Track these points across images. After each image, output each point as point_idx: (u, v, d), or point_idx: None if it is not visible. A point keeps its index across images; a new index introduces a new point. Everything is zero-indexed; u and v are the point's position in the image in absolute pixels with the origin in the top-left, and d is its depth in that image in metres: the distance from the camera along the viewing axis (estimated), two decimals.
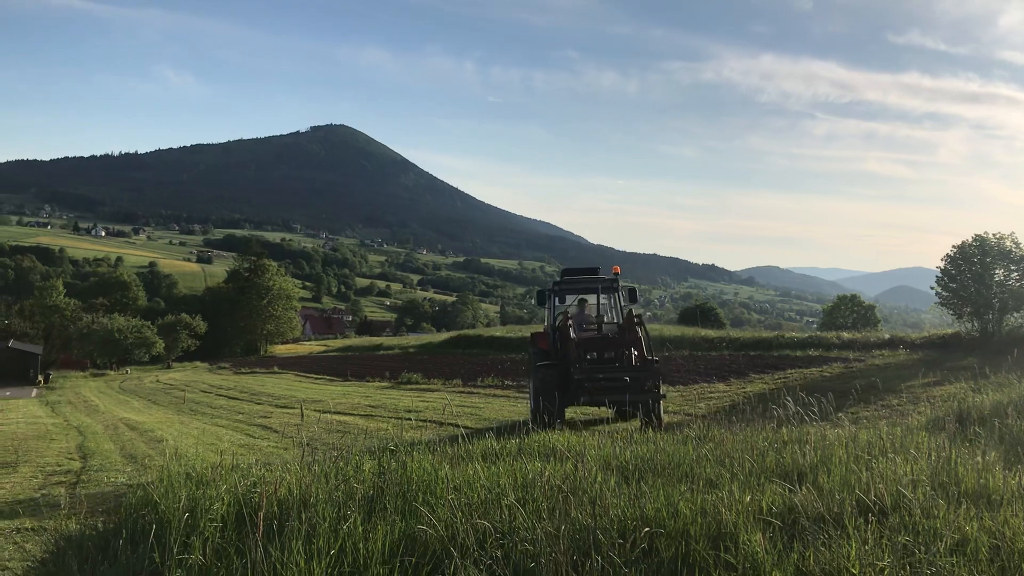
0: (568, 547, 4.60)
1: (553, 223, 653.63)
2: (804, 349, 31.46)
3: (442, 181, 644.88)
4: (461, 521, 5.20)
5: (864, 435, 8.17)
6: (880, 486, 5.58)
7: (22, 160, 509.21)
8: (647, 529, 4.89)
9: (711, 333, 41.07)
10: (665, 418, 16.33)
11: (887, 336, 31.25)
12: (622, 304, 17.04)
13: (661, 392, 14.76)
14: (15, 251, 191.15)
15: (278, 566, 4.48)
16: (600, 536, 4.85)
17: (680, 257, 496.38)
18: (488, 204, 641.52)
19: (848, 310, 52.97)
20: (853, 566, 4.33)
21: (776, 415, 9.12)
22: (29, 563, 6.60)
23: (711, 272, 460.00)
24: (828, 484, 5.93)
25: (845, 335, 33.15)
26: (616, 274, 17.78)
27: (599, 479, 6.22)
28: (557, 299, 17.97)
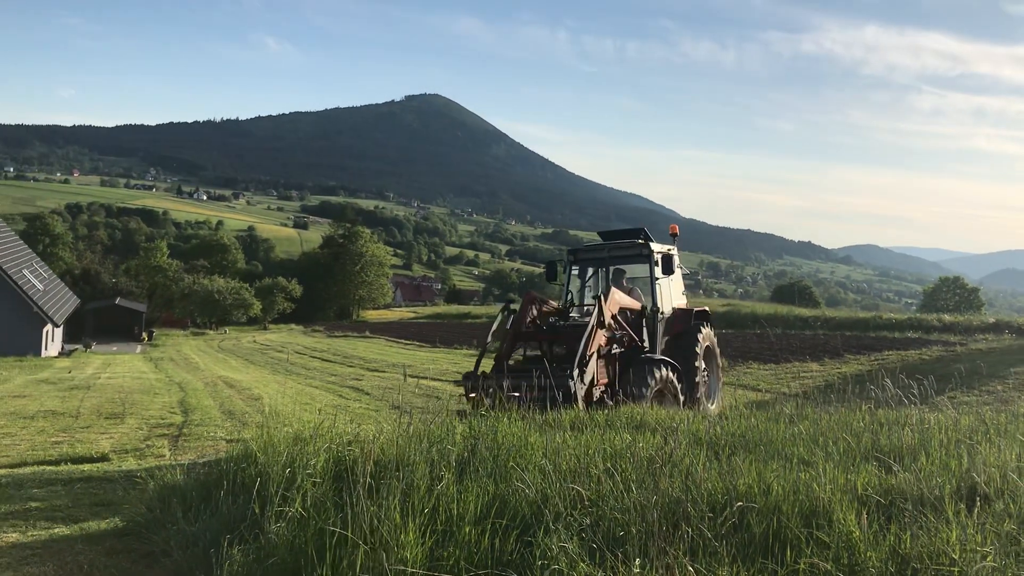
0: (659, 517, 4.61)
1: (644, 196, 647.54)
2: (903, 331, 30.56)
3: (532, 152, 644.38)
4: (551, 486, 5.26)
5: (966, 420, 7.91)
6: (984, 472, 5.40)
7: (130, 125, 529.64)
8: (739, 504, 4.86)
9: (805, 312, 40.23)
10: (716, 407, 13.66)
11: (992, 320, 30.09)
12: (655, 277, 13.39)
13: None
14: (122, 212, 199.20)
15: (375, 521, 4.62)
16: (690, 509, 4.84)
17: (775, 233, 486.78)
18: (578, 175, 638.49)
19: (950, 292, 51.17)
20: (953, 551, 4.22)
21: (874, 396, 8.90)
22: (138, 508, 6.95)
23: (807, 249, 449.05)
24: (927, 467, 5.77)
25: (946, 318, 32.08)
26: (673, 235, 14.76)
27: (688, 453, 6.19)
28: (575, 270, 14.39)
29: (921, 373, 10.54)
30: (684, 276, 15.73)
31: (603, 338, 11.61)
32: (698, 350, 13.57)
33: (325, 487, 5.57)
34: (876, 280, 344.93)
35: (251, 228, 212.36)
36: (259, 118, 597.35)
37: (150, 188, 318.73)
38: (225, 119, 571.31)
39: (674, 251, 14.46)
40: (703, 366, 13.88)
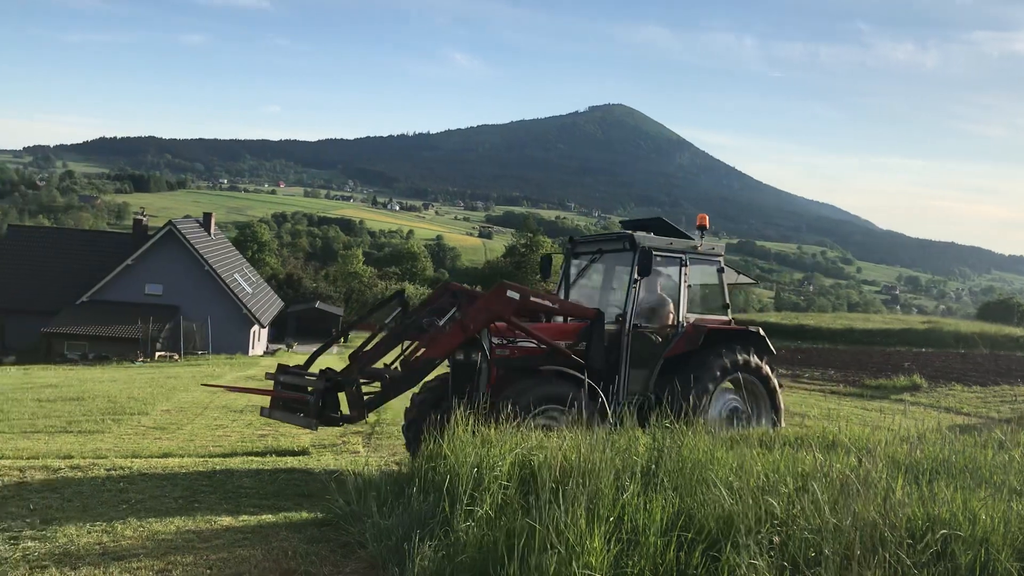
0: (854, 540, 4.44)
1: (836, 205, 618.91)
2: None
3: (717, 160, 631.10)
4: (738, 503, 5.17)
5: None
6: None
7: (331, 139, 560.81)
8: (943, 532, 4.59)
9: (1017, 331, 37.35)
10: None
11: None
12: (634, 277, 10.52)
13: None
14: (322, 221, 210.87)
15: (561, 526, 4.70)
16: (888, 534, 4.63)
17: (982, 246, 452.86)
18: (765, 184, 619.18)
19: None
20: None
21: None
22: (336, 501, 7.35)
23: (1019, 264, 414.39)
24: None
25: None
26: (701, 227, 11.69)
27: (884, 476, 5.90)
28: (575, 266, 12.11)
29: None
30: (737, 284, 12.77)
31: (450, 344, 9.42)
32: (708, 381, 10.46)
33: (512, 489, 5.71)
34: None
35: (439, 237, 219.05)
36: (448, 131, 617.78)
37: (348, 199, 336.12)
38: (417, 133, 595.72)
39: (710, 249, 11.56)
40: (718, 406, 10.77)
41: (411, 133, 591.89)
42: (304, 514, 7.57)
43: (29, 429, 14.32)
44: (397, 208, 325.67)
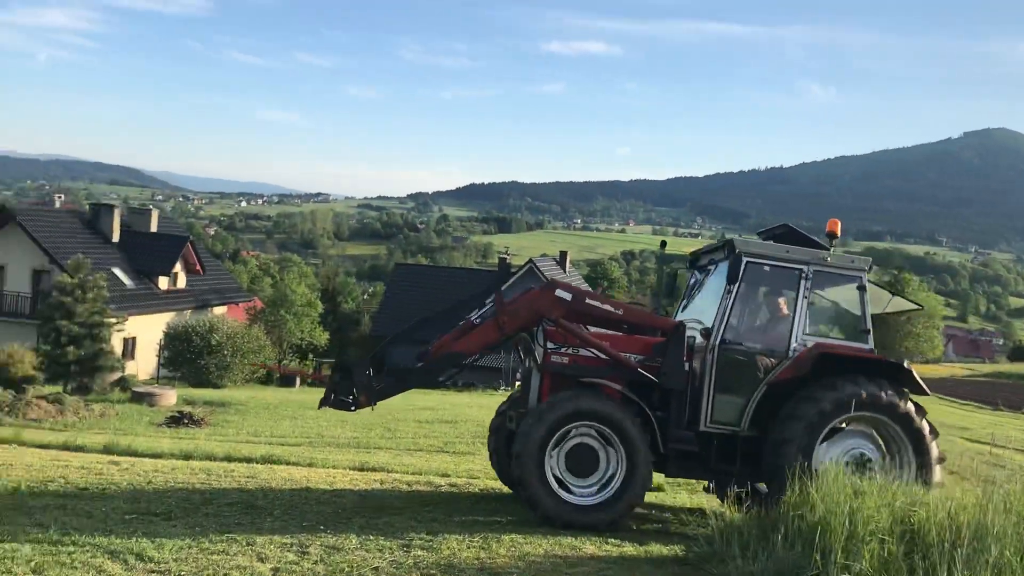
0: None
1: None
2: None
3: None
4: None
5: None
6: None
7: (680, 177, 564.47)
8: None
9: None
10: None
11: None
12: (727, 287, 9.13)
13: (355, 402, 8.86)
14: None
15: None
16: None
17: None
18: None
19: None
20: None
21: None
22: (698, 540, 7.33)
23: None
24: None
25: None
26: (831, 235, 9.65)
27: None
28: (695, 279, 11.00)
29: None
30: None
31: (482, 340, 8.99)
32: (813, 415, 8.54)
33: (892, 546, 5.32)
34: None
35: None
36: (803, 164, 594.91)
37: (696, 236, 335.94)
38: (769, 167, 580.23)
39: (848, 262, 9.75)
40: (837, 449, 8.81)
41: (763, 168, 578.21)
42: (663, 550, 7.64)
43: (412, 447, 15.92)
44: None
